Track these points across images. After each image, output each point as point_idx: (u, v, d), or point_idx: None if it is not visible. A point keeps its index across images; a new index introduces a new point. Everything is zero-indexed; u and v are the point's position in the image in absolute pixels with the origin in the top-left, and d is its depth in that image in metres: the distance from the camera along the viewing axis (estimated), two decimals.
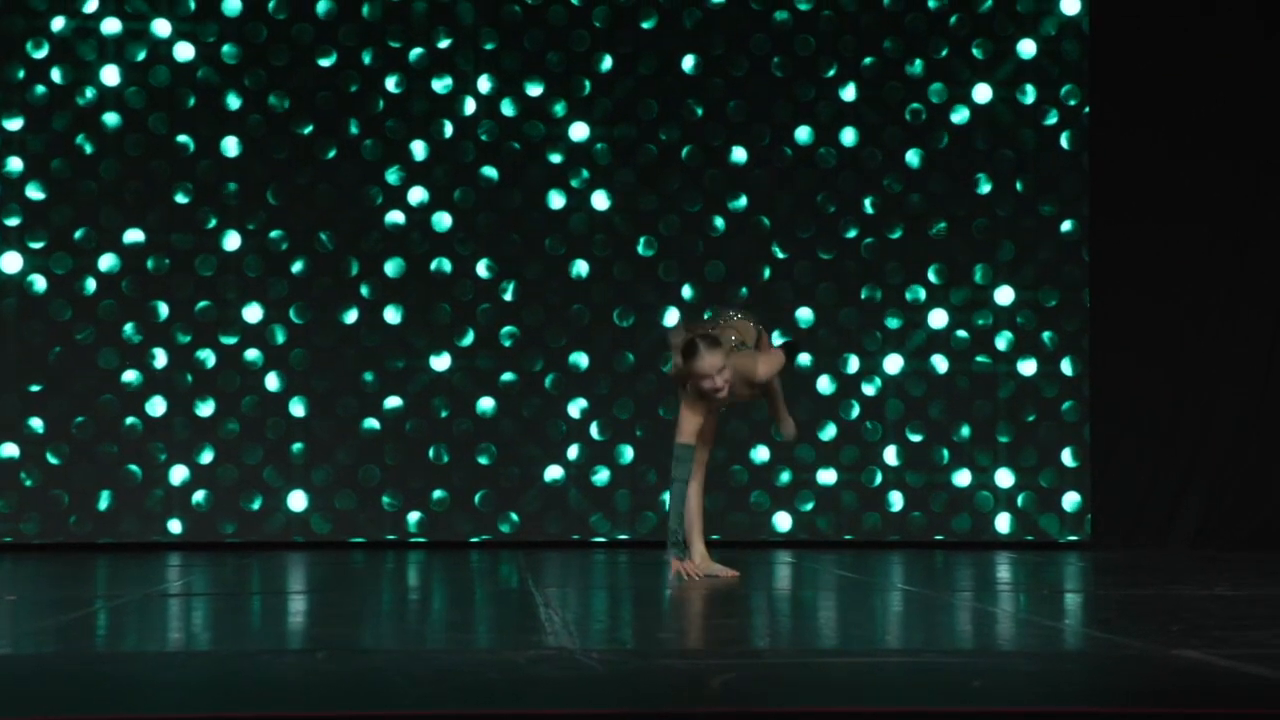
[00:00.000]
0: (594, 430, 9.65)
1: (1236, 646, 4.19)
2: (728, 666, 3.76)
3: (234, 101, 9.54)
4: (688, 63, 9.78)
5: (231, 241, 9.51)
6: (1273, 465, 9.81)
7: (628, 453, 9.65)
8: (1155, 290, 9.85)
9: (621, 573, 7.70)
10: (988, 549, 9.54)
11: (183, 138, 9.51)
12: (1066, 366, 9.85)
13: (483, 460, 9.59)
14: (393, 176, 9.59)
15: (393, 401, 9.57)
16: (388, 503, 9.55)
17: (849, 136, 9.83)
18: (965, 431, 9.77)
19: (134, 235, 9.47)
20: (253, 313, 9.52)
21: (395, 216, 9.59)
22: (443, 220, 9.62)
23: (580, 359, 9.67)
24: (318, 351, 9.55)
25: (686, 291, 9.69)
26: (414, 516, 9.56)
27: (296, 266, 9.55)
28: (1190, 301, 9.88)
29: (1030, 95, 9.91)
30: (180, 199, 9.49)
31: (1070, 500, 9.80)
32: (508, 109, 9.69)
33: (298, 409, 9.51)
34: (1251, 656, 3.96)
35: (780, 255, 9.77)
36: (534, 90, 9.71)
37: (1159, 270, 9.85)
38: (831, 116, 9.82)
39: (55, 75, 9.46)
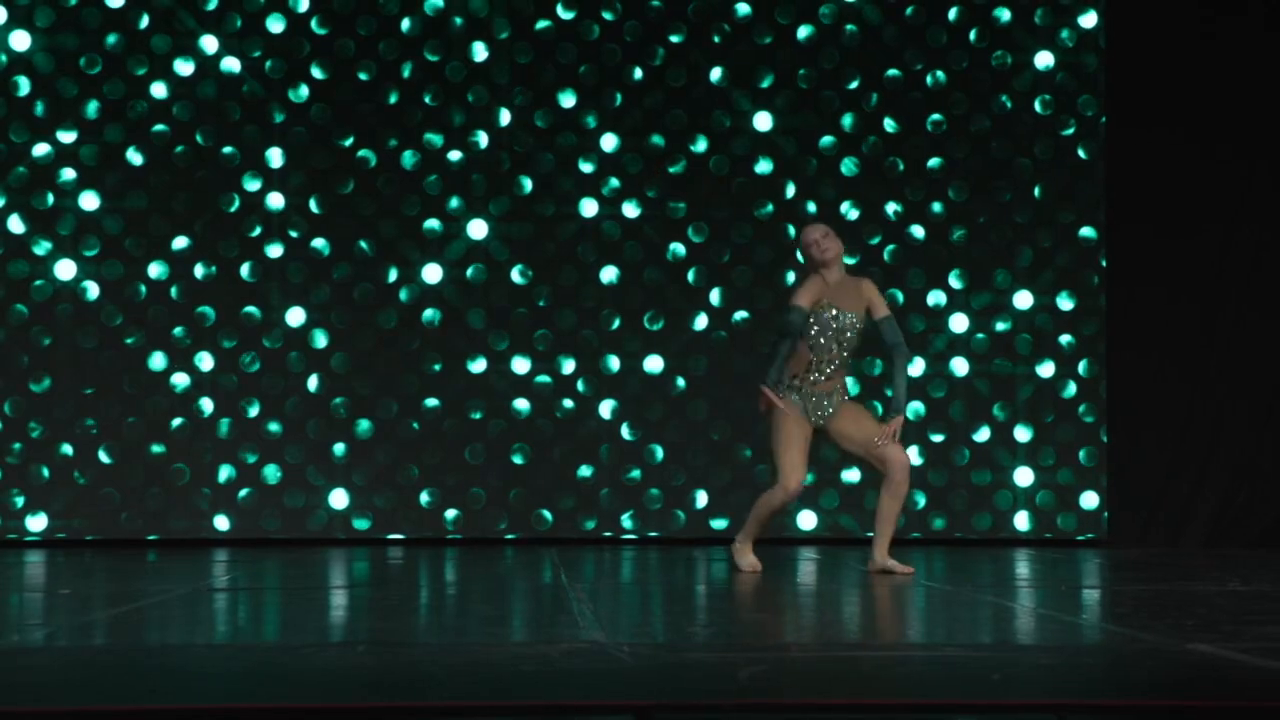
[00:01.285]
0: (624, 431, 9.65)
1: (1248, 641, 4.17)
2: (755, 659, 3.75)
3: (278, 114, 9.59)
4: (715, 74, 9.78)
5: (275, 250, 9.55)
6: None
7: (658, 453, 9.66)
8: (1171, 294, 9.81)
9: (652, 569, 7.70)
10: (1007, 546, 9.52)
11: (228, 149, 9.56)
12: (1084, 369, 9.82)
13: (517, 460, 9.61)
14: (432, 188, 9.62)
15: (431, 402, 9.59)
16: (425, 501, 9.58)
17: (872, 146, 9.81)
18: (986, 432, 9.74)
19: (180, 243, 9.52)
20: (295, 316, 9.56)
21: (432, 224, 9.62)
22: (478, 229, 9.64)
23: (612, 361, 9.67)
24: (357, 354, 9.58)
25: (714, 297, 9.69)
26: (451, 514, 9.58)
27: (338, 273, 9.59)
28: (1205, 305, 9.83)
29: (1049, 106, 9.88)
30: (226, 208, 9.55)
31: (1088, 499, 9.77)
32: (540, 120, 9.71)
33: (339, 410, 9.55)
34: (1263, 650, 3.95)
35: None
36: (567, 102, 9.73)
37: (1175, 274, 9.80)
38: (855, 126, 9.81)
39: (107, 89, 9.52)
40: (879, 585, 6.54)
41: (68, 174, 9.48)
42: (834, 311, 6.96)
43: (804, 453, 6.94)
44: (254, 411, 9.51)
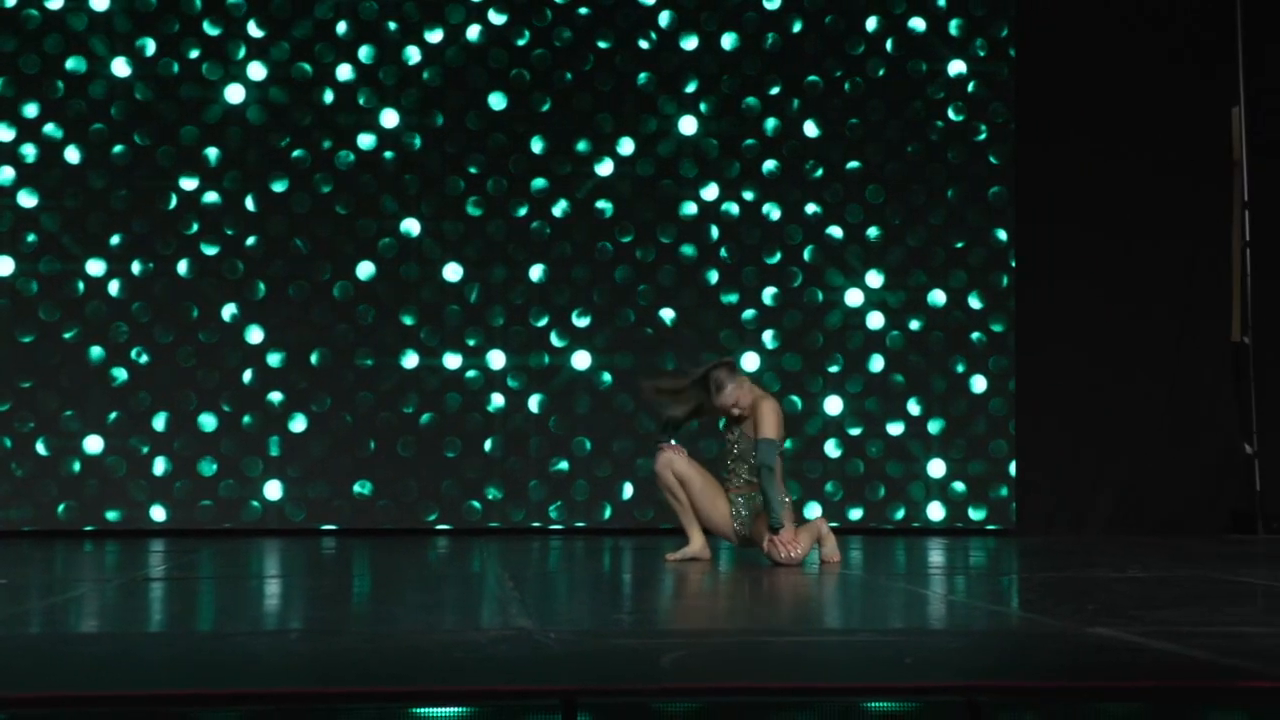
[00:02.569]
0: (552, 424, 9.65)
1: (1147, 624, 4.23)
2: (677, 645, 3.77)
3: (214, 113, 9.51)
4: (641, 78, 9.80)
5: (210, 248, 9.47)
6: (1180, 456, 9.90)
7: (585, 445, 9.66)
8: (1076, 293, 9.92)
9: (578, 559, 7.70)
10: (920, 535, 9.60)
11: (164, 149, 9.48)
12: (994, 365, 9.92)
13: (449, 453, 9.58)
14: (367, 187, 9.58)
15: (364, 396, 9.55)
16: (358, 492, 9.53)
17: (793, 149, 9.87)
18: (900, 426, 9.81)
19: (118, 240, 9.43)
20: (230, 312, 9.48)
21: (366, 223, 9.58)
22: (411, 227, 9.61)
23: (542, 358, 9.67)
24: (292, 350, 9.52)
25: (641, 295, 9.71)
26: (383, 505, 9.53)
27: (273, 269, 9.53)
28: (1108, 304, 9.95)
29: (961, 112, 9.98)
30: (164, 206, 9.46)
31: (997, 490, 9.87)
32: (471, 123, 9.69)
33: (273, 404, 9.48)
34: (1160, 634, 4.00)
35: (728, 260, 9.81)
36: (497, 104, 9.71)
37: (1080, 274, 9.92)
38: (776, 131, 9.86)
39: (45, 89, 9.42)
40: (799, 574, 6.57)
41: (6, 173, 9.36)
42: (736, 433, 6.92)
43: (708, 501, 6.90)
44: (189, 404, 9.43)
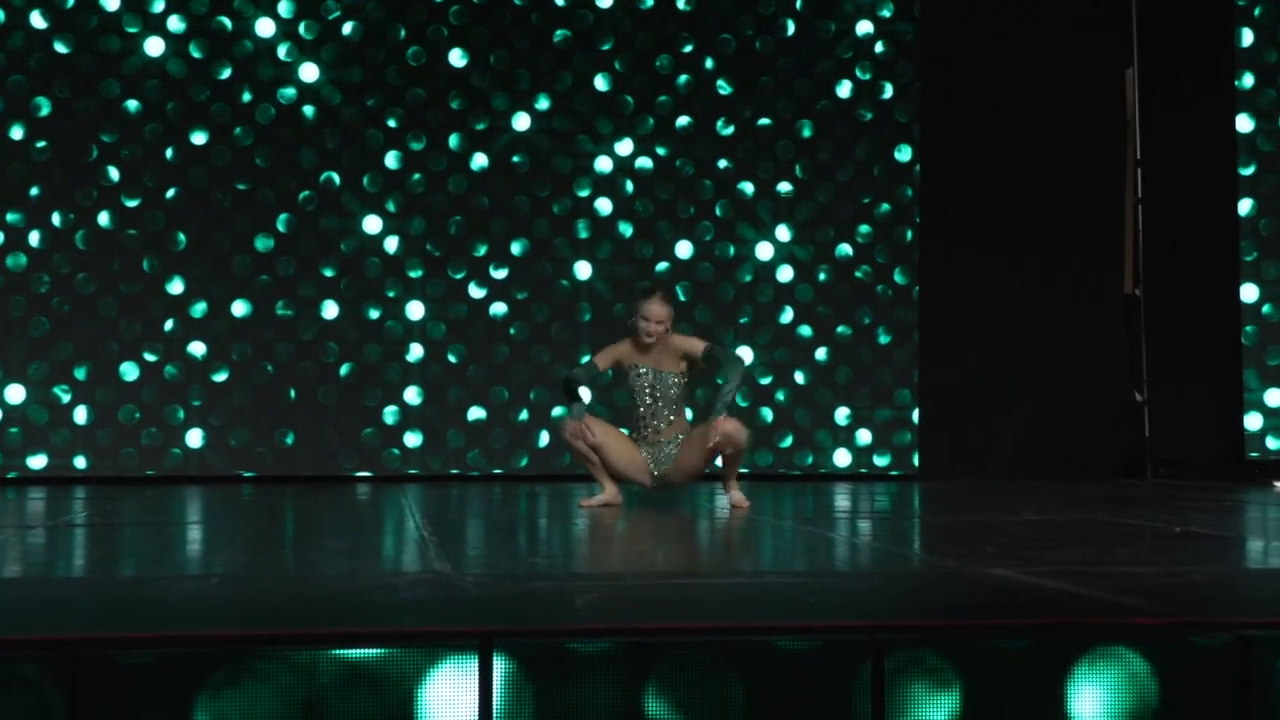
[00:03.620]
0: (470, 373, 9.62)
1: (1041, 565, 4.29)
2: (591, 588, 3.78)
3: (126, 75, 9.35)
4: (557, 36, 9.74)
5: (131, 200, 9.32)
6: (1075, 403, 10.04)
7: (504, 393, 9.64)
8: (978, 248, 10.00)
9: (496, 505, 7.69)
10: (827, 481, 9.67)
11: (85, 103, 9.31)
12: (899, 316, 10.00)
13: (369, 401, 9.53)
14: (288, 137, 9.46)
15: (285, 346, 9.46)
16: (280, 440, 9.45)
17: (707, 107, 9.86)
18: (808, 375, 9.88)
19: (36, 191, 9.26)
20: (152, 263, 9.35)
21: (286, 179, 9.48)
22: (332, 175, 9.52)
23: (461, 309, 9.62)
24: (213, 300, 9.41)
25: (561, 247, 9.69)
26: (304, 453, 9.47)
27: (194, 221, 9.40)
28: (1008, 258, 10.05)
29: (868, 70, 10.01)
30: (85, 158, 9.30)
31: (901, 436, 9.97)
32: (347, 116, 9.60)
33: (194, 354, 9.37)
34: (1053, 573, 4.07)
35: (643, 214, 9.80)
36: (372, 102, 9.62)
37: (981, 229, 10.00)
38: (688, 87, 9.84)
39: None
40: (710, 518, 6.61)
41: None
42: (642, 370, 6.91)
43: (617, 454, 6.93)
44: (111, 354, 9.30)
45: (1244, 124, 9.96)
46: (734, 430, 6.73)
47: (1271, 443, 9.81)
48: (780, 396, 9.85)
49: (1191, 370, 10.09)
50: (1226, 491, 8.47)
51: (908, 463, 9.96)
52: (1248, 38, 9.99)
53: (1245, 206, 9.93)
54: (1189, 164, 10.13)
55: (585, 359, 7.45)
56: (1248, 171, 9.94)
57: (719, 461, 6.93)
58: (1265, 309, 9.85)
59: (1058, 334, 10.08)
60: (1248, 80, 9.96)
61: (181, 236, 9.39)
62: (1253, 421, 9.84)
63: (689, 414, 7.18)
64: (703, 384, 7.74)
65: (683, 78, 9.85)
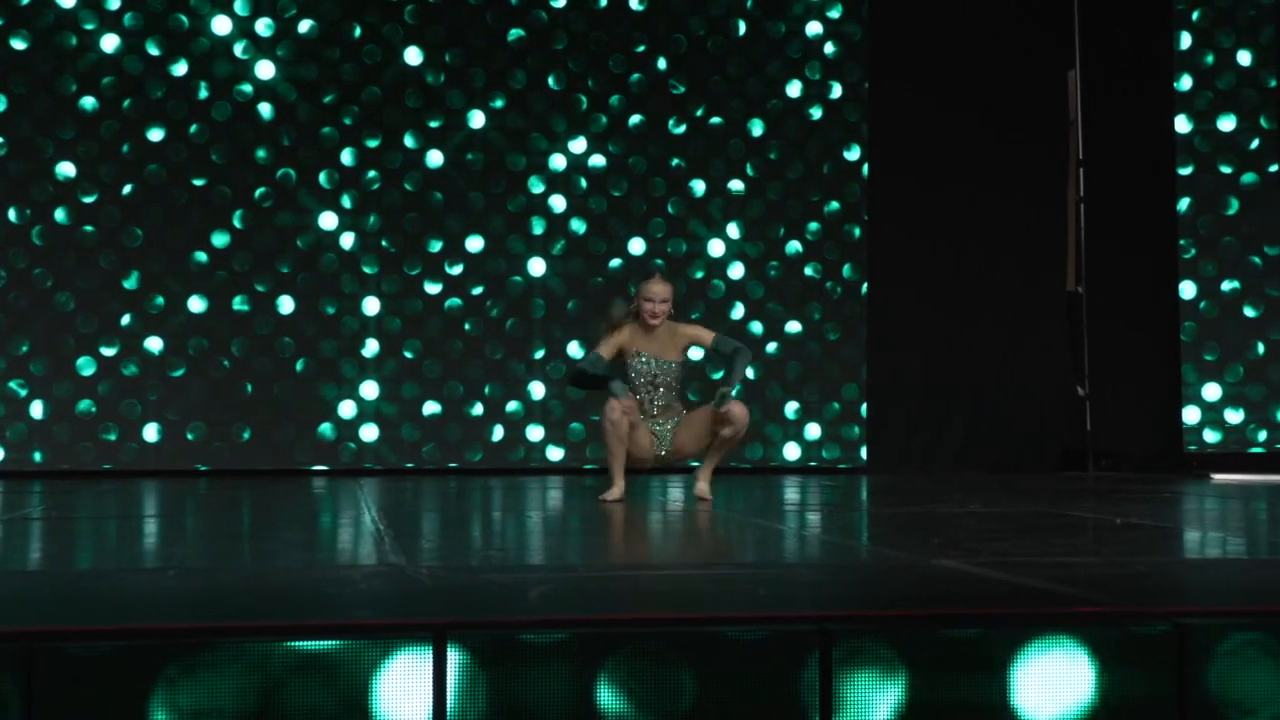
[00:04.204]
0: (425, 368, 9.59)
1: (986, 556, 4.32)
2: (545, 579, 3.77)
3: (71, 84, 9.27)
4: (511, 35, 9.71)
5: (88, 196, 9.24)
6: (1019, 398, 10.10)
7: (459, 388, 9.62)
8: (925, 245, 10.06)
9: (451, 498, 7.67)
10: (776, 474, 9.70)
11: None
12: (848, 311, 10.03)
13: (327, 395, 9.48)
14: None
15: (240, 341, 9.40)
16: (236, 434, 9.39)
17: (659, 106, 9.86)
18: (758, 370, 9.89)
19: None
20: (109, 258, 9.28)
21: (221, 190, 9.41)
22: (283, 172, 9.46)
23: (416, 304, 9.58)
24: (170, 295, 9.34)
25: (516, 244, 9.67)
26: (261, 447, 9.41)
27: (150, 217, 9.33)
28: (954, 255, 10.11)
29: (818, 71, 10.04)
30: (41, 155, 9.20)
31: (849, 430, 10.00)
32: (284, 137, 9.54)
33: (151, 349, 9.29)
34: (996, 564, 4.09)
35: (596, 211, 9.79)
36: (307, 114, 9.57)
37: (928, 226, 10.06)
38: (641, 86, 9.84)
39: None
40: (663, 511, 6.62)
41: None
42: (644, 356, 6.87)
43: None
44: (68, 350, 9.21)
45: (1182, 125, 10.04)
46: (741, 413, 6.72)
47: (1209, 436, 9.91)
48: (731, 392, 9.83)
49: (1131, 365, 10.17)
50: (1165, 483, 8.55)
51: (856, 456, 10.00)
52: (1186, 41, 10.07)
53: (1184, 205, 10.02)
54: (1129, 164, 10.22)
55: (583, 353, 7.27)
56: (1186, 171, 10.03)
57: (711, 447, 6.85)
58: (1202, 305, 9.94)
59: (1002, 330, 10.14)
60: (1185, 82, 10.05)
61: (138, 232, 9.31)
62: (1190, 415, 9.93)
63: (690, 397, 7.12)
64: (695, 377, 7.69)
65: (635, 77, 9.85)
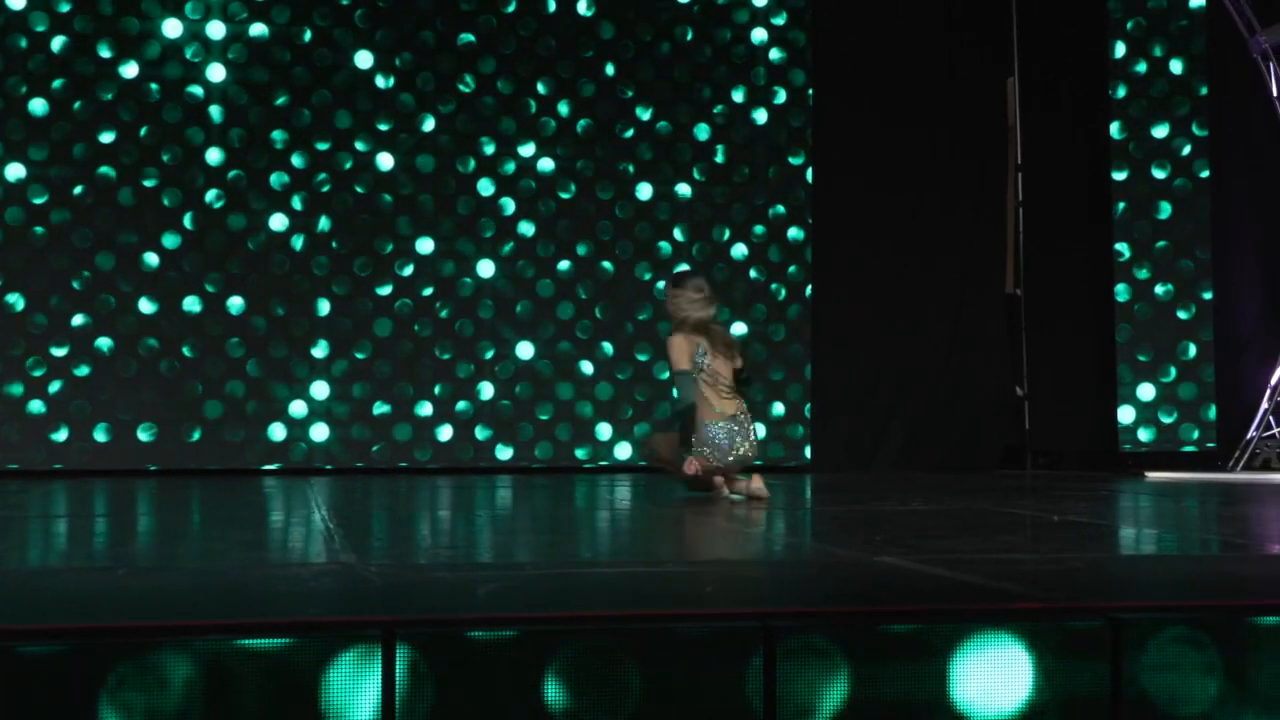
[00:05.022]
0: (376, 369, 9.54)
1: (927, 553, 4.34)
2: (493, 578, 3.76)
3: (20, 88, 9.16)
4: (466, 36, 9.68)
5: (39, 198, 9.14)
6: (960, 397, 10.17)
7: (408, 389, 9.58)
8: (868, 247, 10.11)
9: (401, 497, 7.64)
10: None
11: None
12: (792, 313, 10.06)
13: (279, 393, 9.42)
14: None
15: (190, 341, 9.32)
16: (188, 434, 9.31)
17: (608, 110, 9.85)
18: None
19: None
20: (59, 259, 9.17)
21: (169, 194, 9.34)
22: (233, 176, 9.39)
23: (367, 305, 9.53)
24: (120, 294, 9.25)
25: (466, 250, 9.64)
26: (210, 447, 9.33)
27: (101, 219, 9.23)
28: (897, 257, 10.16)
29: (762, 77, 10.06)
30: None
31: (793, 429, 10.03)
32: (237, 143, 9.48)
33: (101, 348, 9.20)
34: (937, 561, 4.11)
35: (544, 213, 9.77)
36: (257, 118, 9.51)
37: (871, 229, 10.11)
38: (593, 92, 9.84)
39: None
40: (610, 509, 6.61)
41: None
42: (703, 350, 6.79)
43: None
44: (19, 350, 9.10)
45: (1117, 131, 10.14)
46: (763, 489, 6.75)
47: (1143, 434, 10.00)
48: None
49: (1068, 366, 10.27)
50: (1101, 481, 8.62)
51: (800, 454, 10.03)
52: (1120, 49, 10.17)
53: (1119, 210, 10.11)
54: (1066, 169, 10.31)
55: (667, 373, 7.15)
56: (1121, 176, 10.12)
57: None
58: (1137, 307, 10.04)
59: (943, 331, 10.21)
60: (1120, 90, 10.15)
61: (89, 233, 9.21)
62: (1125, 415, 10.03)
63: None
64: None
65: (584, 81, 9.84)
